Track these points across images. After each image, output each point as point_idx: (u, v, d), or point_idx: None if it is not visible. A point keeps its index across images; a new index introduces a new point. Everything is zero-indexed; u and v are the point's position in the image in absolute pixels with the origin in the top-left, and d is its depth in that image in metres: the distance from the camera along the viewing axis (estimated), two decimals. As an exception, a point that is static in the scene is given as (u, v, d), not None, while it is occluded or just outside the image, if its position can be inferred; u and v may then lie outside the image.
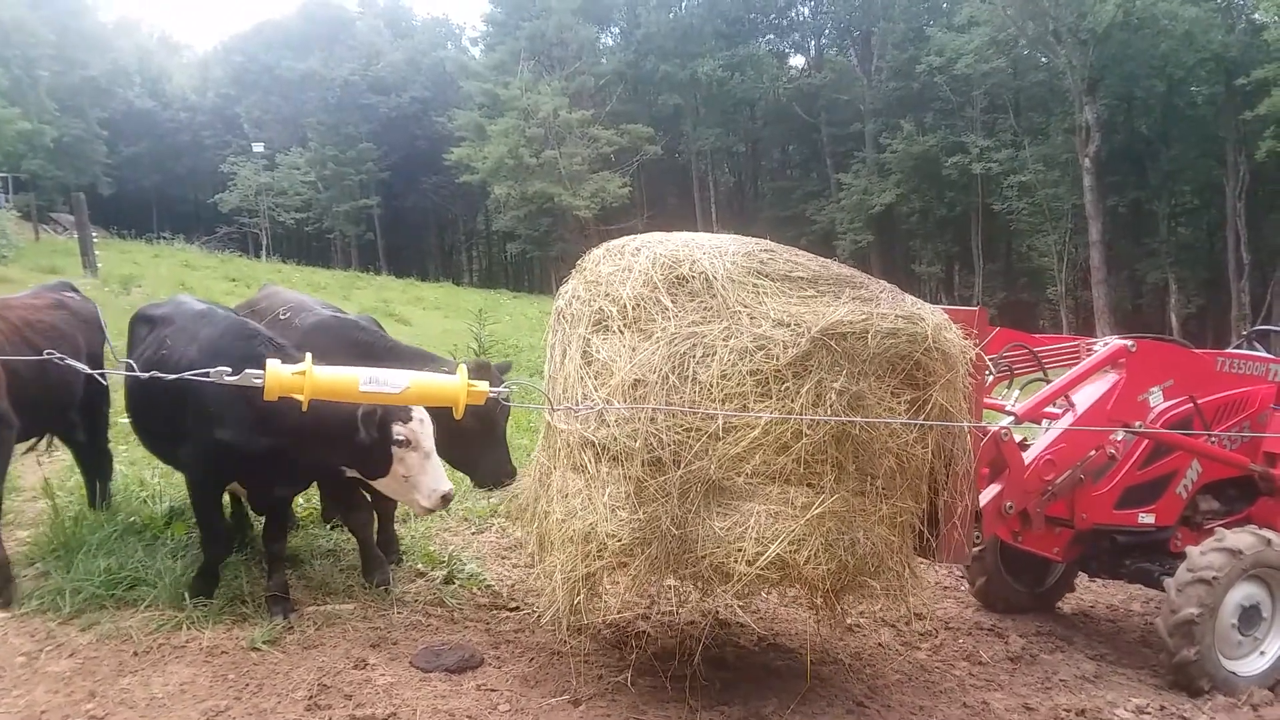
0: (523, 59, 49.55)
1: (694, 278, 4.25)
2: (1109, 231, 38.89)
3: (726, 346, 4.09)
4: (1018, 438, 5.15)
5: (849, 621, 4.71)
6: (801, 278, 4.36)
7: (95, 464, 6.23)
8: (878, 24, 49.05)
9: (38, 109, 43.54)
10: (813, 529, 4.08)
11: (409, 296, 24.78)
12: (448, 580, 5.87)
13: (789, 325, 4.14)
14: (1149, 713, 5.07)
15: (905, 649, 5.80)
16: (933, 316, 4.40)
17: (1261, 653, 5.33)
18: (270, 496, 5.21)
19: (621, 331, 4.23)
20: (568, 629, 4.38)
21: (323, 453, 4.80)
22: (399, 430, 4.57)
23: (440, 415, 4.56)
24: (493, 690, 4.38)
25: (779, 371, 4.07)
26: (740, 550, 4.04)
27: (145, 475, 6.79)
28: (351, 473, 4.95)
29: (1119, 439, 5.41)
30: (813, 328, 4.11)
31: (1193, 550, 5.20)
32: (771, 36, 57.64)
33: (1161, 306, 38.44)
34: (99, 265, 19.33)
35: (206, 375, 3.10)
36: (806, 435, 4.06)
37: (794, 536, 4.05)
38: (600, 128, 47.34)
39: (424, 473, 4.65)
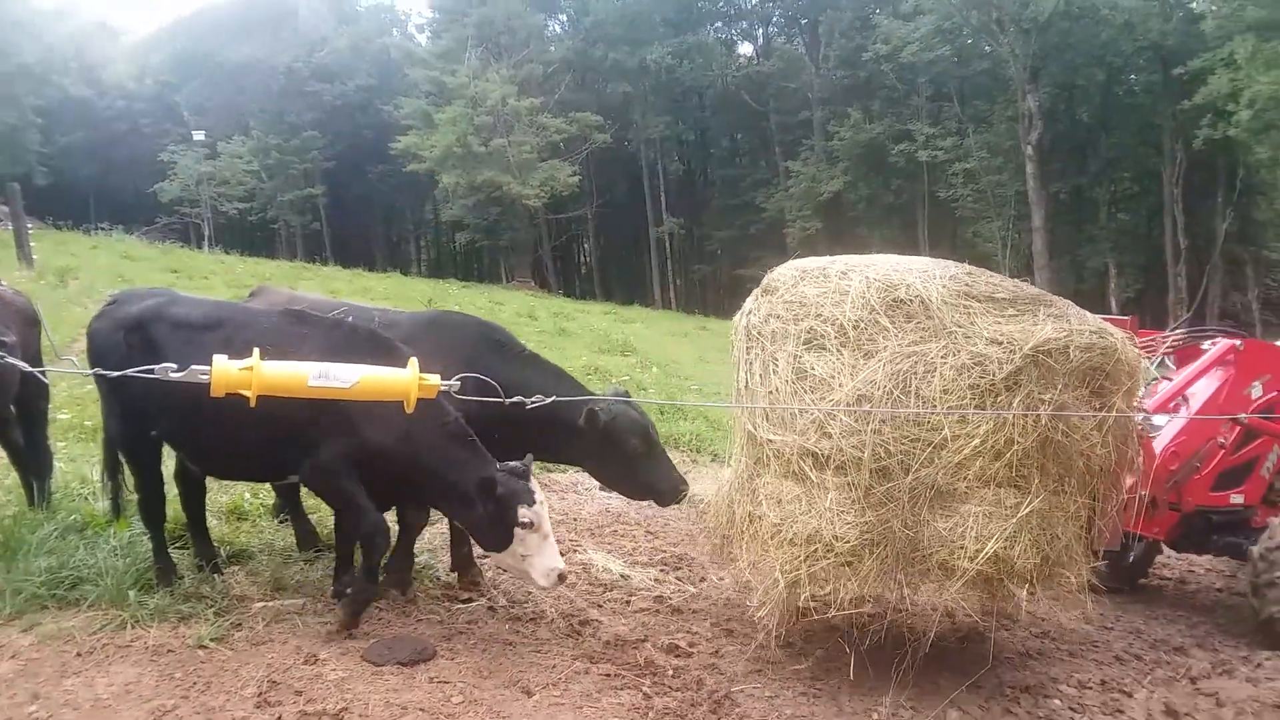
0: (470, 46, 48.99)
1: (911, 300, 4.68)
2: (1051, 218, 39.57)
3: (946, 364, 4.56)
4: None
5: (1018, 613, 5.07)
6: (1003, 298, 4.83)
7: (34, 462, 6.08)
8: (825, 12, 49.27)
9: (-32, 98, 42.19)
10: (1022, 527, 4.56)
11: (356, 287, 24.42)
12: (399, 573, 5.82)
13: (1001, 343, 4.62)
14: (1090, 688, 5.21)
15: (857, 631, 5.88)
16: (1118, 331, 5.01)
17: None
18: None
19: (840, 350, 4.66)
20: (782, 624, 4.74)
21: (446, 507, 5.12)
22: (524, 513, 4.70)
23: (612, 454, 5.31)
24: (445, 682, 4.37)
25: (994, 386, 4.56)
26: (962, 548, 4.53)
27: (86, 472, 6.65)
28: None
29: (1224, 429, 6.10)
30: (1024, 345, 4.61)
31: (1274, 521, 5.85)
32: (719, 24, 57.66)
33: (1102, 291, 39.16)
34: (35, 257, 18.75)
35: (151, 371, 3.06)
36: (1018, 442, 4.54)
37: (1006, 535, 4.53)
38: (549, 116, 47.00)
39: (542, 554, 4.77)
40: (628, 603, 5.93)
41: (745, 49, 58.68)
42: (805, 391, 4.67)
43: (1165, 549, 7.04)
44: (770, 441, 4.77)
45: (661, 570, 6.64)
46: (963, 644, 5.76)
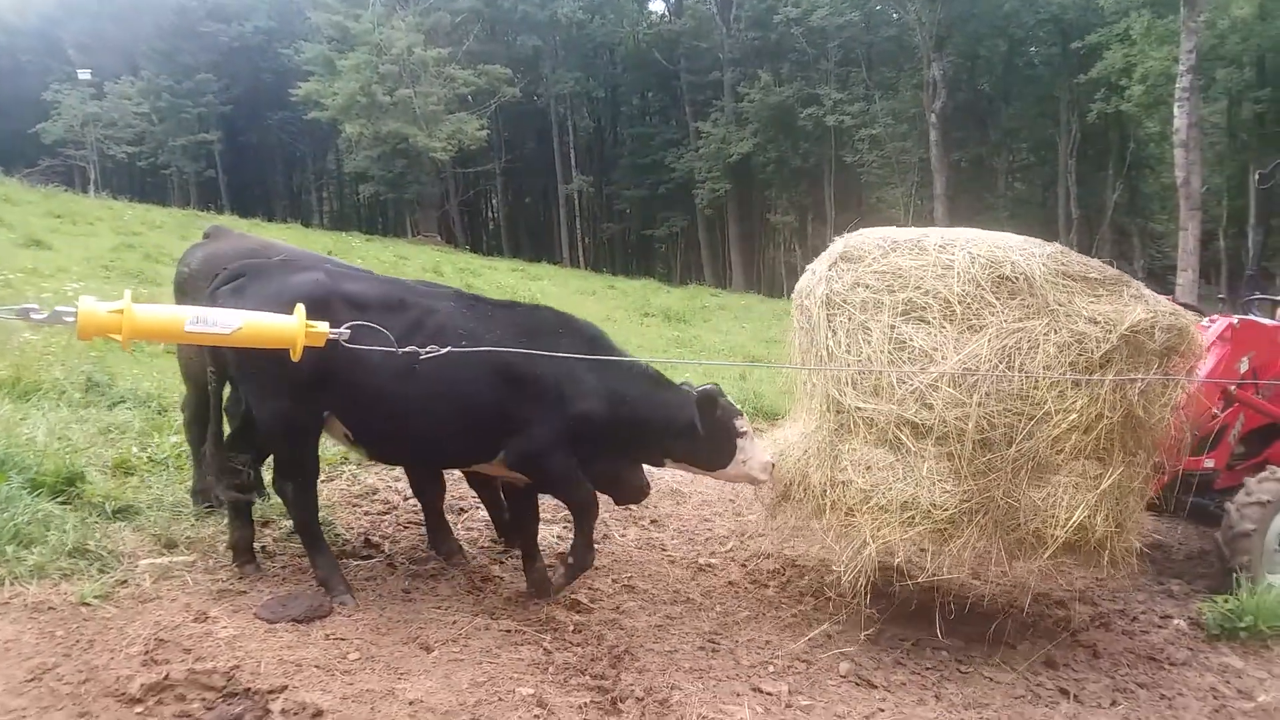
0: (375, -9, 47.58)
1: (1016, 278, 4.81)
2: (952, 185, 40.48)
3: (1049, 341, 4.73)
4: None
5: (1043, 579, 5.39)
6: (1095, 278, 5.02)
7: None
8: (737, -28, 49.23)
9: None
10: (1103, 497, 4.82)
11: (254, 238, 23.59)
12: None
13: (1098, 322, 4.84)
14: (975, 639, 5.39)
15: (755, 587, 5.99)
16: (1189, 313, 5.38)
17: None
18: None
19: (944, 324, 4.79)
20: (868, 586, 4.82)
21: (667, 441, 5.14)
22: (741, 424, 5.15)
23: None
24: (342, 639, 4.29)
25: (1091, 364, 4.78)
26: (1054, 518, 4.74)
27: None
28: None
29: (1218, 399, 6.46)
30: (1120, 325, 4.84)
31: (1250, 480, 6.28)
32: (632, -21, 57.17)
33: (998, 258, 40.20)
34: (-97, 199, 17.68)
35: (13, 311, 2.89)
36: (1106, 417, 4.80)
37: (1090, 504, 4.77)
38: (457, 67, 45.92)
39: (755, 453, 5.18)
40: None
41: (657, 6, 58.48)
42: (904, 362, 4.80)
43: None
44: (859, 409, 4.87)
45: (564, 528, 6.64)
46: (853, 599, 5.92)
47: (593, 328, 5.13)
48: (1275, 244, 30.05)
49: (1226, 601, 5.87)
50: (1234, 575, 6.08)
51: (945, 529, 4.69)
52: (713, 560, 6.37)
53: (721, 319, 22.15)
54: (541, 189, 56.76)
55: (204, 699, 3.65)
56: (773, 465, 5.21)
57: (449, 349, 4.16)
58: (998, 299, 4.79)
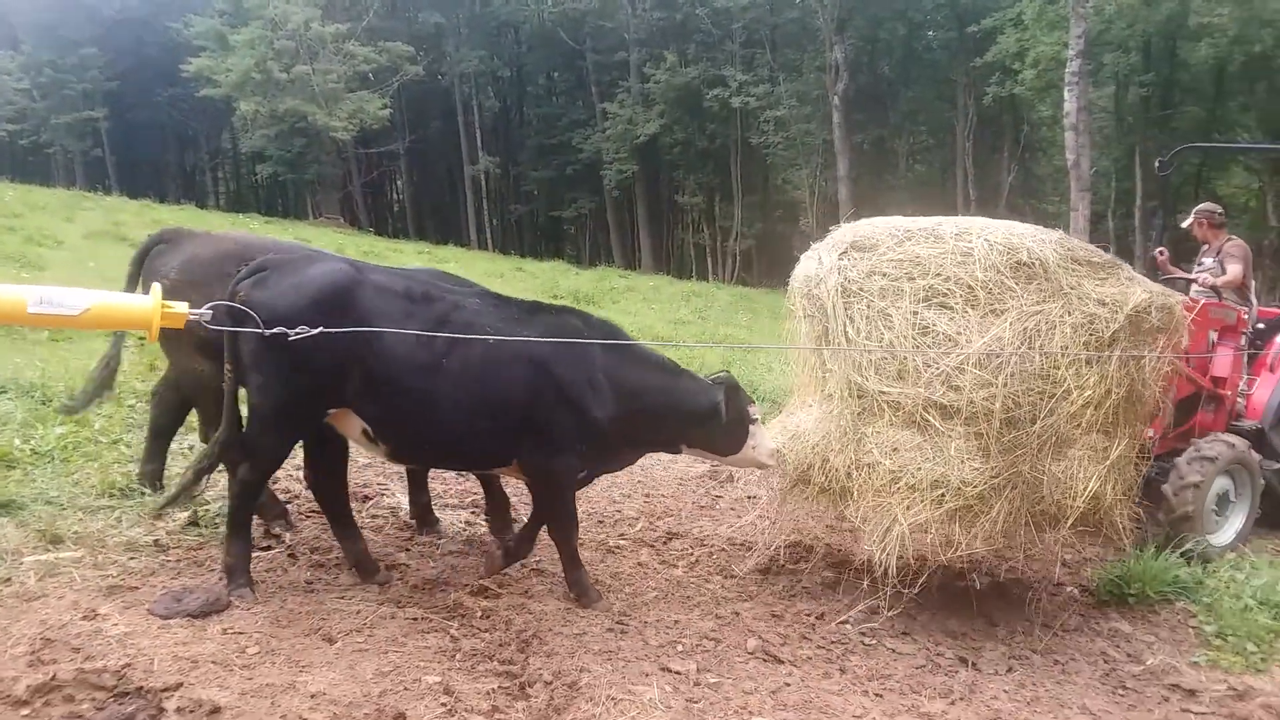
0: (269, -37, 45.97)
1: (1033, 263, 5.08)
2: (855, 167, 41.09)
3: (1065, 322, 5.05)
4: None
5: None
6: (1095, 262, 5.37)
7: None
8: (642, -48, 49.01)
9: None
10: (1111, 468, 5.25)
11: (145, 220, 22.64)
12: (193, 522, 5.54)
13: (1106, 304, 5.20)
14: (880, 612, 5.54)
15: (663, 567, 6.04)
16: (1177, 294, 5.98)
17: (1229, 524, 7.06)
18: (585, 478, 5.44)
19: (967, 309, 5.04)
20: (896, 564, 4.98)
21: (687, 429, 5.25)
22: (753, 410, 5.31)
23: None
24: (240, 633, 4.19)
25: (1101, 343, 5.13)
26: (1071, 489, 5.12)
27: None
28: None
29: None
30: (1125, 306, 5.23)
31: (1180, 461, 6.81)
32: (537, -43, 56.40)
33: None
34: None
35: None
36: (1114, 393, 5.18)
37: (1102, 475, 5.19)
38: (357, 44, 44.70)
39: (763, 439, 5.36)
40: (436, 546, 5.86)
41: (563, -16, 57.69)
42: (929, 347, 5.05)
43: None
44: (884, 393, 5.10)
45: (473, 512, 6.58)
46: (765, 576, 6.01)
47: (611, 325, 5.24)
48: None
49: (1114, 568, 6.12)
50: (1174, 530, 6.57)
51: (974, 505, 4.96)
52: (622, 542, 6.39)
53: (630, 300, 22.16)
54: (447, 170, 55.76)
55: (94, 699, 3.52)
56: (780, 452, 5.43)
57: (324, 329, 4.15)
58: (1017, 283, 5.09)
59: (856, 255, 5.42)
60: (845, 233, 5.66)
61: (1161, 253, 8.50)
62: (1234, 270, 8.06)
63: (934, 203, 42.60)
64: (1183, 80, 33.26)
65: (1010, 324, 4.99)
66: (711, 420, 5.11)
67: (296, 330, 4.05)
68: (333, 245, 25.44)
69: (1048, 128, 35.95)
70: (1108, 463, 5.26)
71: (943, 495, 4.94)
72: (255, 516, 5.41)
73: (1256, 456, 7.19)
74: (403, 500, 6.38)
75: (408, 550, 5.72)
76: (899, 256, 5.27)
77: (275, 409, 4.56)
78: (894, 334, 5.11)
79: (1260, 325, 8.07)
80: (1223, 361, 7.54)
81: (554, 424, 4.83)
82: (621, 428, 5.00)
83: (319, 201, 47.20)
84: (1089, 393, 5.09)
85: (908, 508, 4.95)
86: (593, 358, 4.89)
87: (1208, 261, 8.41)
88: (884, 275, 5.25)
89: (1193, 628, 5.73)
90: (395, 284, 4.65)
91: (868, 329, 5.20)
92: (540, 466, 4.99)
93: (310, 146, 44.68)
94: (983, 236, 5.20)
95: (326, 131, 42.52)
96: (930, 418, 5.02)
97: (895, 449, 5.09)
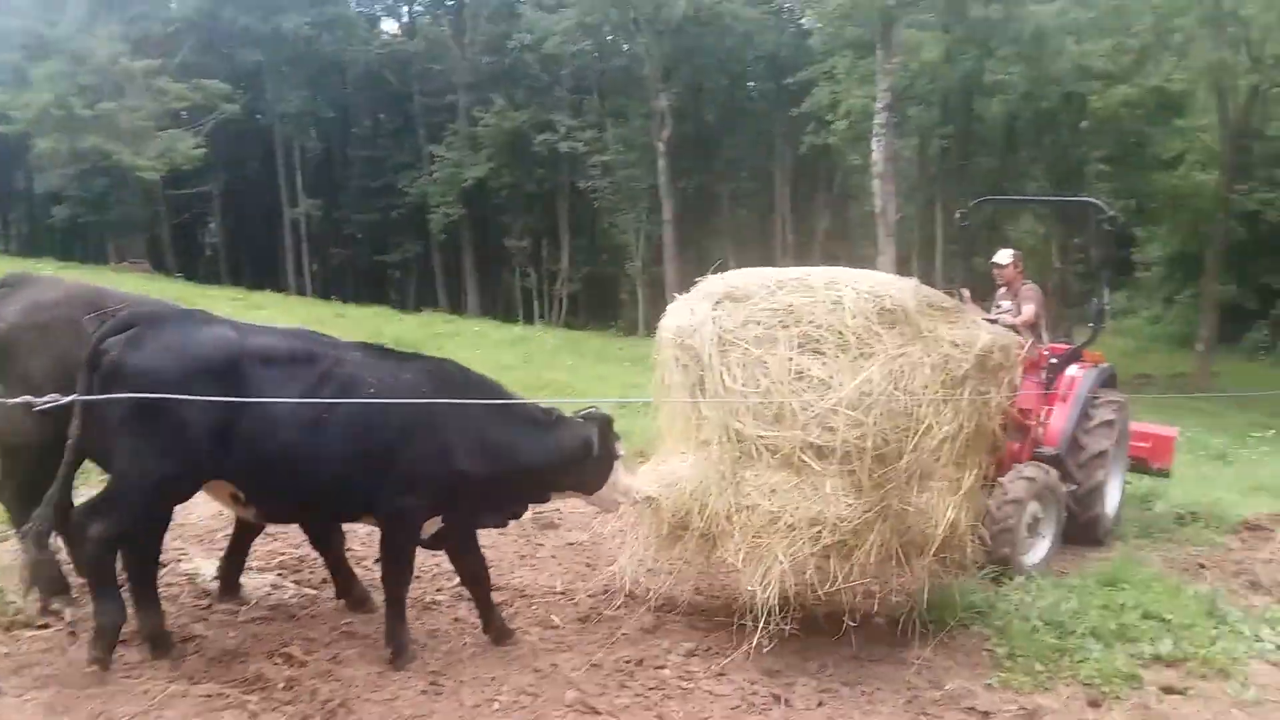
0: (72, -5, 43.41)
1: (896, 309, 5.38)
2: (680, 211, 42.11)
3: (925, 364, 5.40)
4: None
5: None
6: (946, 307, 5.86)
7: None
8: (470, -4, 49.01)
9: None
10: (964, 498, 5.71)
11: (-78, 265, 20.82)
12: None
13: (959, 345, 5.67)
14: (697, 654, 5.57)
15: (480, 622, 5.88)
16: (1014, 336, 6.87)
17: (1040, 544, 7.56)
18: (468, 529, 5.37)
19: (838, 354, 5.25)
20: (786, 609, 5.18)
21: (559, 477, 5.32)
22: (619, 447, 5.42)
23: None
24: (6, 727, 3.82)
25: (955, 381, 5.57)
26: (932, 519, 5.48)
27: None
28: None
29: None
30: (974, 347, 5.75)
31: (1004, 480, 7.30)
32: (363, -3, 55.51)
33: (724, 281, 42.24)
34: None
35: None
36: (965, 427, 5.65)
37: (957, 505, 5.61)
38: (169, 80, 42.67)
39: (624, 476, 5.52)
40: (236, 613, 5.53)
41: (390, 26, 57.06)
42: (804, 391, 5.23)
43: None
44: (762, 437, 5.28)
45: (279, 575, 6.26)
46: (584, 625, 5.96)
47: (489, 381, 5.32)
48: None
49: (914, 597, 6.35)
50: (996, 545, 6.94)
51: (849, 540, 5.19)
52: (439, 597, 6.21)
53: (456, 346, 21.78)
54: (265, 212, 53.61)
55: None
56: (650, 496, 5.58)
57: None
58: (883, 329, 5.36)
59: (731, 305, 5.60)
60: (716, 284, 5.85)
61: (964, 294, 9.02)
62: (1028, 310, 8.76)
63: (755, 245, 44.17)
64: (978, 133, 35.90)
65: (878, 366, 5.25)
66: (585, 459, 5.21)
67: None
68: (136, 291, 23.99)
69: (859, 175, 37.89)
70: (961, 492, 5.67)
71: (820, 532, 5.15)
72: (35, 591, 5.01)
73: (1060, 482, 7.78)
74: (200, 565, 6.01)
75: (205, 620, 5.38)
76: (773, 305, 5.47)
77: (144, 481, 4.31)
78: (771, 380, 5.29)
79: (1054, 360, 8.67)
80: (1028, 395, 8.03)
81: (416, 470, 4.80)
82: (489, 484, 5.02)
83: (123, 245, 44.40)
84: (946, 428, 5.49)
85: (788, 546, 5.14)
86: (467, 409, 4.89)
87: (1005, 304, 9.04)
88: (758, 324, 5.44)
89: (986, 651, 5.96)
90: (277, 346, 4.59)
91: (744, 376, 5.36)
92: (392, 508, 4.89)
93: (114, 187, 42.17)
94: (850, 285, 5.47)
95: (132, 171, 40.29)
96: (807, 458, 5.22)
97: (774, 490, 5.27)
